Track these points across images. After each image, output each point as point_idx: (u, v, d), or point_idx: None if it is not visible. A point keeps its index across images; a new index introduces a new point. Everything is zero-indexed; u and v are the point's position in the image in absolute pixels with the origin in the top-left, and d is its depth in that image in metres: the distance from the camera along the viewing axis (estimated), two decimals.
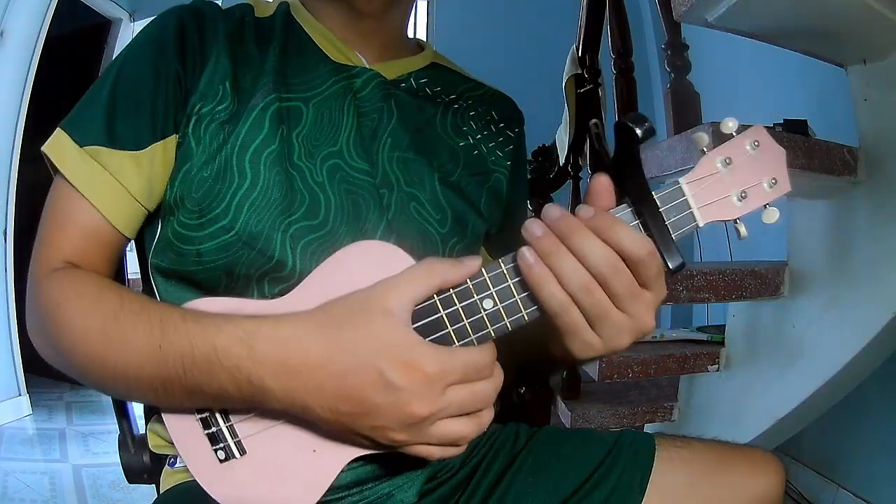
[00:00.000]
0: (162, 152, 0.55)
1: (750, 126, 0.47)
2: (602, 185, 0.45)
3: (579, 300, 0.44)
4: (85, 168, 0.53)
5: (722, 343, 1.49)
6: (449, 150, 0.66)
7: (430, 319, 0.47)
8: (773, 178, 0.47)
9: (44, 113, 2.90)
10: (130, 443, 0.64)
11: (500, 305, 0.46)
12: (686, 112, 1.76)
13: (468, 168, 0.66)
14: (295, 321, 0.45)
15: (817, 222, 1.28)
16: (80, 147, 0.54)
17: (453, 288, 0.47)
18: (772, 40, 1.20)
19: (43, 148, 0.55)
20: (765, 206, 0.47)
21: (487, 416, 0.47)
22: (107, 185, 0.54)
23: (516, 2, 3.29)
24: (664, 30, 1.75)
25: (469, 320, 0.47)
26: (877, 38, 1.10)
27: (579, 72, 1.67)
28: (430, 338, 0.47)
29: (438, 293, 0.47)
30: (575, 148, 1.64)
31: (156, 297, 0.58)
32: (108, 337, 0.47)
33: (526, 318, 0.46)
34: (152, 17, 0.60)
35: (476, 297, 0.46)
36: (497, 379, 0.47)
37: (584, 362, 0.55)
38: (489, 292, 0.46)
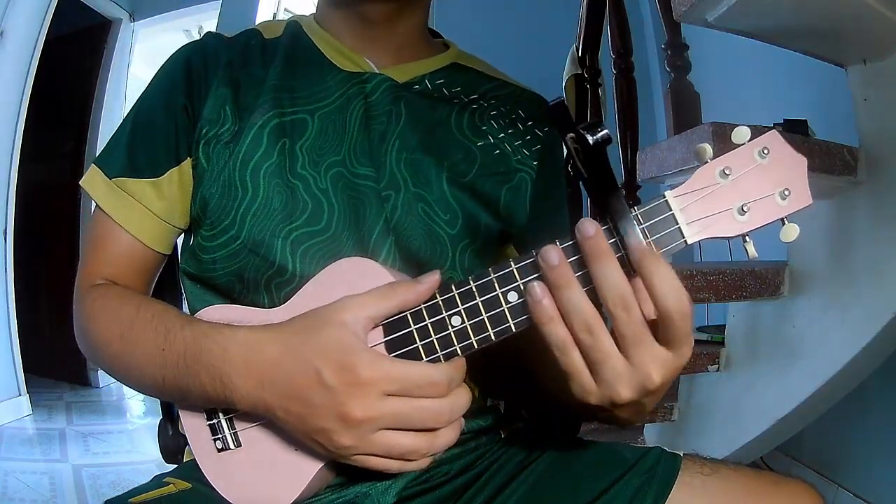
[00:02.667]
0: (178, 175, 0.62)
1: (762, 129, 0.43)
2: (585, 231, 0.42)
3: (580, 340, 0.42)
4: (113, 196, 0.62)
5: (722, 343, 1.49)
6: (464, 150, 0.65)
7: (400, 333, 0.47)
8: (787, 189, 0.41)
9: (44, 113, 2.91)
10: (169, 426, 0.69)
11: (467, 323, 0.46)
12: (686, 112, 1.76)
13: (486, 168, 0.65)
14: (264, 329, 0.49)
15: (817, 222, 1.28)
16: (109, 179, 0.62)
17: (424, 303, 0.47)
18: (772, 40, 1.20)
19: (80, 182, 0.64)
20: (783, 222, 0.42)
21: (446, 434, 0.47)
22: (133, 209, 0.62)
23: (516, 2, 3.29)
24: (664, 30, 1.75)
25: (437, 336, 0.47)
26: (877, 38, 1.10)
27: (579, 72, 1.67)
28: (399, 351, 0.47)
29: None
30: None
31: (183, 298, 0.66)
32: (124, 342, 0.55)
33: (493, 337, 0.46)
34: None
35: (445, 313, 0.46)
36: (455, 400, 0.47)
37: (588, 418, 0.53)
38: (457, 309, 0.46)
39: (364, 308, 0.47)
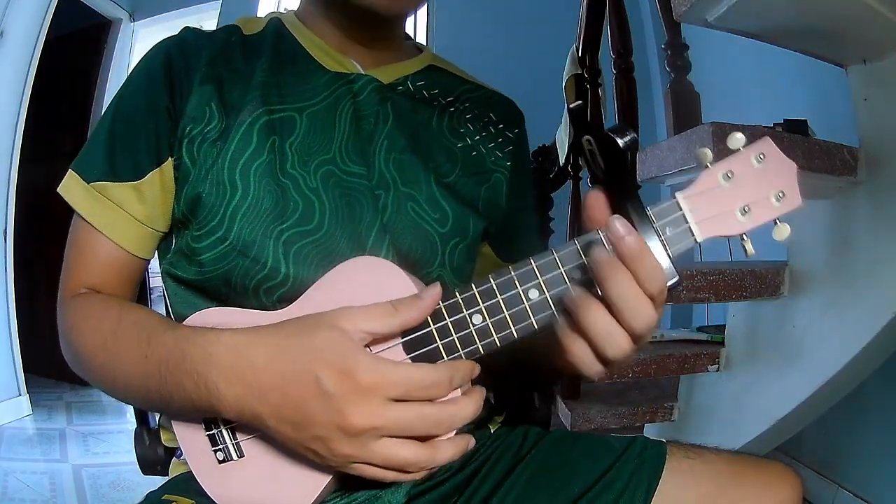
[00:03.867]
0: (160, 177, 0.60)
1: (758, 138, 0.46)
2: (594, 202, 0.44)
3: (594, 338, 0.43)
4: (93, 202, 0.59)
5: (722, 343, 1.49)
6: (446, 151, 0.66)
7: (419, 333, 0.47)
8: (781, 192, 0.44)
9: (44, 113, 2.91)
10: (146, 436, 0.67)
11: (489, 321, 0.46)
12: (686, 112, 1.76)
13: (466, 169, 0.67)
14: (251, 331, 0.47)
15: (817, 222, 1.28)
16: (88, 184, 0.60)
17: (443, 302, 0.47)
18: (772, 40, 1.20)
19: (58, 189, 0.61)
20: (775, 222, 0.45)
21: (447, 449, 0.46)
22: (114, 215, 0.59)
23: (516, 2, 3.29)
24: (664, 30, 1.75)
25: (458, 335, 0.47)
26: (877, 38, 1.10)
27: (579, 72, 1.67)
28: (419, 351, 0.47)
29: None
30: (575, 148, 1.64)
31: (165, 300, 0.63)
32: (108, 351, 0.53)
33: (515, 334, 0.46)
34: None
35: (466, 311, 0.46)
36: (458, 409, 0.45)
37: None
38: (478, 307, 0.46)
39: (366, 321, 0.45)
